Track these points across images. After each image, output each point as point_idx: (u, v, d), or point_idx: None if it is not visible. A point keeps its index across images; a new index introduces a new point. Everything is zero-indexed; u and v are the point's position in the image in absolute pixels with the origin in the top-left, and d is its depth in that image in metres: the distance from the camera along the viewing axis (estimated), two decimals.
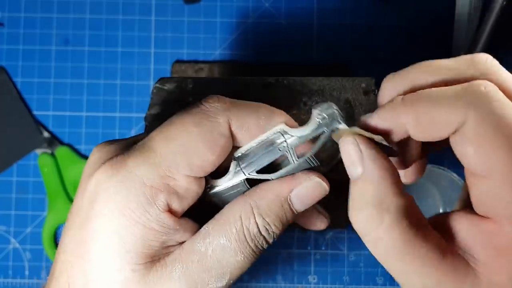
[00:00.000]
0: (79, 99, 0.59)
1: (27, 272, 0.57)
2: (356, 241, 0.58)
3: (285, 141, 0.29)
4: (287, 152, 0.29)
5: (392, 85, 0.28)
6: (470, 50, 0.54)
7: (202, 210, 0.30)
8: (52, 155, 0.58)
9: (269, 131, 0.29)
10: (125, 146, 0.29)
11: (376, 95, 0.42)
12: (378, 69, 0.59)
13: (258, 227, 0.28)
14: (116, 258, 0.27)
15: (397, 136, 0.26)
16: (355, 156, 0.26)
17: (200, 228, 0.29)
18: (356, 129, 0.27)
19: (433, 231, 0.25)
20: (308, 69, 0.59)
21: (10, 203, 0.58)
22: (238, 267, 0.28)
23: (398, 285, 0.59)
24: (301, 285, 0.58)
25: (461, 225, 0.25)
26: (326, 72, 0.59)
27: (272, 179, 0.30)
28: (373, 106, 0.41)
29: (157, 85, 0.42)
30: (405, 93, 0.27)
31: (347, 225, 0.59)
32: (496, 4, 0.49)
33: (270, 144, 0.29)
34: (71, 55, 0.59)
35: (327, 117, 0.29)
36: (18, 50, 0.59)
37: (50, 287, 0.29)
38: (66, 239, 0.28)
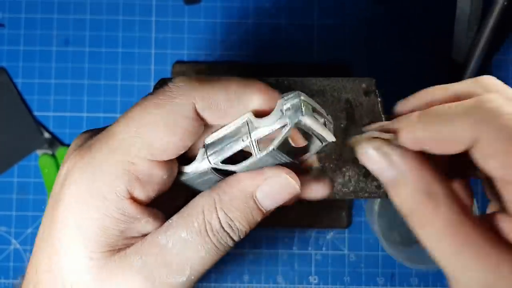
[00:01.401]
0: (80, 100, 0.59)
1: None
2: (356, 242, 0.58)
3: (248, 131, 0.26)
4: (249, 143, 0.26)
5: (406, 106, 0.29)
6: (471, 50, 0.54)
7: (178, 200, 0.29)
8: (53, 156, 0.58)
9: (238, 118, 0.27)
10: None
11: (377, 96, 0.42)
12: (378, 69, 0.59)
13: (220, 223, 0.27)
14: (75, 245, 0.26)
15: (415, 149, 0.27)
16: (384, 161, 0.26)
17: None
18: (368, 134, 0.27)
19: (480, 220, 0.25)
20: (308, 69, 0.59)
21: (11, 204, 0.58)
22: (200, 262, 0.26)
23: (398, 285, 0.59)
24: (302, 285, 0.58)
25: (504, 225, 0.25)
26: (327, 73, 0.59)
27: (237, 172, 0.27)
28: (373, 107, 0.41)
29: (158, 85, 0.42)
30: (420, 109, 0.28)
31: (348, 225, 0.59)
32: (496, 4, 0.49)
33: (235, 134, 0.27)
34: (71, 56, 0.59)
35: (290, 107, 0.25)
36: (18, 51, 0.59)
37: (26, 272, 0.28)
38: (41, 224, 0.28)
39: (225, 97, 0.27)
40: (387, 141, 0.27)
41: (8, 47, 0.59)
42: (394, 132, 0.27)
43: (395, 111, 0.31)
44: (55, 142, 0.58)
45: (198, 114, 0.27)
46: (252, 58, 0.60)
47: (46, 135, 0.58)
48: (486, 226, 0.25)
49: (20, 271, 0.58)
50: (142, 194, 0.27)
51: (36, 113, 0.59)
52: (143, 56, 0.60)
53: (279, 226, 0.58)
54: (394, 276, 0.58)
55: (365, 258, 0.58)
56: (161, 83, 0.42)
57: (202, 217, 0.27)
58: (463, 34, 0.54)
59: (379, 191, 0.39)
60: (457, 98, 0.27)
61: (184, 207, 0.27)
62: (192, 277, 0.26)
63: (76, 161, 0.27)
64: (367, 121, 0.41)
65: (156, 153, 0.26)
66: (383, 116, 0.42)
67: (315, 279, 0.58)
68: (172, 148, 0.26)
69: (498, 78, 0.65)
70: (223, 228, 0.27)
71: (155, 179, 0.27)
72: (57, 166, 0.58)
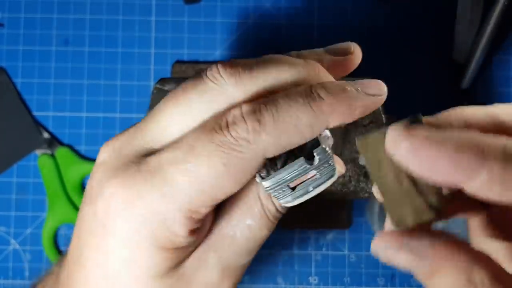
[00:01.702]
0: (79, 100, 0.59)
1: (27, 273, 0.57)
2: (357, 242, 0.58)
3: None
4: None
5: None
6: (472, 50, 0.54)
7: None
8: (52, 156, 0.58)
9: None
10: (133, 149, 0.27)
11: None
12: (378, 69, 0.59)
13: (275, 205, 0.29)
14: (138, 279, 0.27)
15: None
16: (412, 259, 0.22)
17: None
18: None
19: None
20: None
21: (10, 204, 0.58)
22: (263, 240, 0.29)
23: (398, 286, 0.59)
24: (302, 286, 0.58)
25: None
26: None
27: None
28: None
29: (158, 85, 0.42)
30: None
31: (348, 225, 0.59)
32: (497, 4, 0.49)
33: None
34: (71, 56, 0.59)
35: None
36: (18, 50, 0.59)
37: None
38: (78, 248, 0.28)
39: (296, 136, 0.25)
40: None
41: (8, 47, 0.59)
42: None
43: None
44: (55, 142, 0.58)
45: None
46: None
47: (46, 135, 0.58)
48: None
49: (19, 271, 0.57)
50: (199, 224, 0.27)
51: (35, 113, 0.59)
52: (142, 56, 0.59)
53: (278, 226, 0.58)
54: (394, 277, 0.58)
55: (365, 259, 0.58)
56: (161, 83, 0.42)
57: (260, 203, 0.28)
58: (463, 34, 0.54)
59: None
60: (502, 127, 0.23)
61: (233, 198, 0.28)
62: (255, 253, 0.29)
63: (119, 193, 0.26)
64: (367, 121, 0.41)
65: (218, 201, 0.26)
66: (383, 116, 0.42)
67: (315, 280, 0.58)
68: (232, 192, 0.26)
69: (499, 78, 0.65)
70: (276, 209, 0.29)
71: (210, 211, 0.27)
72: (56, 166, 0.58)
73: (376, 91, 0.27)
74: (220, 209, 0.29)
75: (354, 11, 0.60)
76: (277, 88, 0.26)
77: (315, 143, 0.27)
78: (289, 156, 0.27)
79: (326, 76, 0.28)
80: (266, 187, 0.27)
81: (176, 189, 0.25)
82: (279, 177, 0.26)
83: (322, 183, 0.27)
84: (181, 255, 0.27)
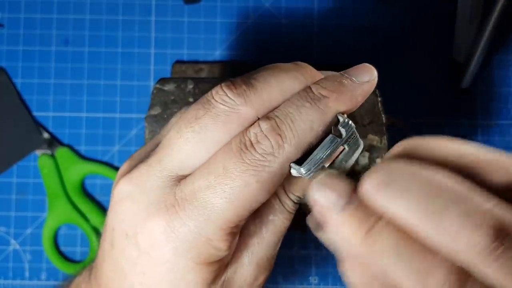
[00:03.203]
0: (79, 100, 0.59)
1: (27, 274, 0.57)
2: None
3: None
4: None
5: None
6: (471, 50, 0.54)
7: None
8: (52, 156, 0.58)
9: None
10: (159, 180, 0.28)
11: (377, 96, 0.42)
12: (378, 69, 0.59)
13: (293, 200, 0.31)
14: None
15: None
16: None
17: None
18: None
19: None
20: None
21: (10, 204, 0.58)
22: (286, 230, 0.32)
23: None
24: (302, 286, 0.58)
25: None
26: None
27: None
28: (373, 107, 0.41)
29: (157, 85, 0.42)
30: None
31: None
32: (497, 4, 0.49)
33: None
34: (71, 56, 0.59)
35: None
36: (18, 51, 0.59)
37: None
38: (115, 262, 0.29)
39: (312, 136, 0.28)
40: None
41: (7, 47, 0.59)
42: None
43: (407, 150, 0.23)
44: (55, 142, 0.58)
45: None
46: (252, 58, 0.60)
47: (46, 135, 0.58)
48: None
49: (19, 271, 0.57)
50: (236, 237, 0.29)
51: (35, 113, 0.59)
52: (142, 56, 0.59)
53: None
54: None
55: None
56: (161, 83, 0.42)
57: (278, 199, 0.31)
58: (463, 34, 0.54)
59: None
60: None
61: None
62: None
63: (161, 226, 0.27)
64: (367, 121, 0.41)
65: (252, 211, 0.28)
66: (383, 116, 0.42)
67: (315, 280, 0.58)
68: (265, 200, 0.28)
69: (499, 78, 0.65)
70: (294, 202, 0.32)
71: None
72: (56, 166, 0.58)
73: (368, 76, 0.31)
74: None
75: (354, 11, 0.60)
76: (280, 96, 0.29)
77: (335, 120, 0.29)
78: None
79: (317, 74, 0.32)
80: (304, 174, 0.28)
81: (216, 211, 0.27)
82: (314, 160, 0.28)
83: (352, 154, 0.29)
84: (223, 264, 0.29)
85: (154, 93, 0.41)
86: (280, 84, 0.29)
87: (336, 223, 0.22)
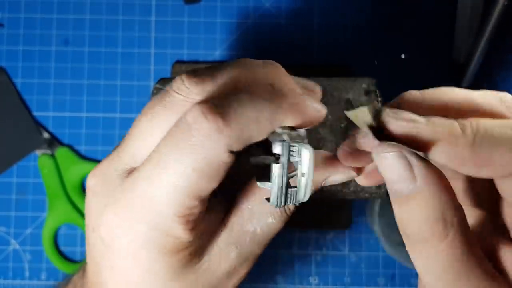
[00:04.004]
0: (79, 100, 0.59)
1: (27, 274, 0.57)
2: (357, 242, 0.58)
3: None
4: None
5: (423, 102, 0.26)
6: (471, 50, 0.54)
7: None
8: (52, 156, 0.58)
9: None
10: (115, 172, 0.28)
11: (377, 96, 0.42)
12: (378, 69, 0.59)
13: (295, 204, 0.30)
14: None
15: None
16: (406, 171, 0.24)
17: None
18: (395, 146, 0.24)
19: (482, 254, 0.24)
20: (308, 69, 0.59)
21: (10, 204, 0.58)
22: (278, 231, 0.31)
23: (398, 286, 0.59)
24: (302, 286, 0.58)
25: (506, 256, 0.25)
26: (327, 73, 0.59)
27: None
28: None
29: (157, 85, 0.42)
30: (438, 111, 0.25)
31: (348, 225, 0.59)
32: (497, 4, 0.49)
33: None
34: (71, 56, 0.59)
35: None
36: (18, 51, 0.59)
37: None
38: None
39: (257, 130, 0.26)
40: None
41: (8, 47, 0.59)
42: (424, 139, 0.24)
43: (403, 100, 0.27)
44: (54, 142, 0.58)
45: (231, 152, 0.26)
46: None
47: (46, 135, 0.58)
48: (486, 260, 0.24)
49: (19, 271, 0.57)
50: (195, 223, 0.27)
51: (35, 113, 0.59)
52: (142, 56, 0.59)
53: None
54: (394, 277, 0.58)
55: (365, 259, 0.58)
56: (161, 83, 0.42)
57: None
58: (463, 34, 0.54)
59: (379, 191, 0.39)
60: (478, 110, 0.25)
61: (257, 194, 0.29)
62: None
63: (115, 220, 0.27)
64: None
65: (200, 198, 0.26)
66: None
67: (315, 280, 0.58)
68: (213, 188, 0.26)
69: (499, 78, 0.65)
70: (295, 205, 0.30)
71: (199, 208, 0.27)
72: (56, 166, 0.58)
73: (322, 109, 0.29)
74: (240, 208, 0.30)
75: (354, 11, 0.60)
76: (238, 88, 0.26)
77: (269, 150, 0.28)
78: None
79: (287, 79, 0.29)
80: (276, 204, 0.27)
81: (158, 202, 0.26)
82: (274, 188, 0.27)
83: (304, 161, 0.27)
84: (192, 250, 0.28)
85: (154, 93, 0.41)
86: (241, 75, 0.27)
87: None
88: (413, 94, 0.27)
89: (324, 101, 0.40)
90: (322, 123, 0.38)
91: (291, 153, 0.27)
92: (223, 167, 0.26)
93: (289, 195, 0.27)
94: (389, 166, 0.24)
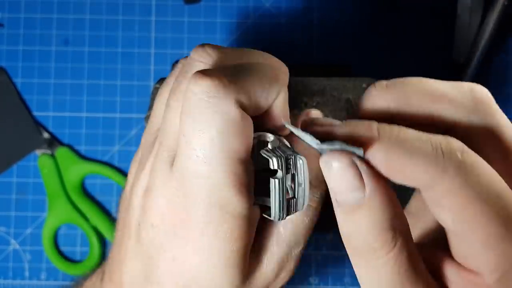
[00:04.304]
0: (79, 100, 0.59)
1: (27, 273, 0.57)
2: None
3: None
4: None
5: (380, 97, 0.26)
6: (471, 50, 0.54)
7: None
8: (52, 156, 0.58)
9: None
10: (163, 157, 0.29)
11: None
12: (378, 69, 0.59)
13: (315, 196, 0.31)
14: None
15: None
16: (356, 180, 0.23)
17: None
18: (337, 145, 0.24)
19: (423, 264, 0.24)
20: (308, 69, 0.59)
21: (10, 204, 0.58)
22: (308, 227, 0.32)
23: None
24: (302, 286, 0.58)
25: (447, 271, 0.25)
26: (327, 72, 0.58)
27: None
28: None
29: (157, 85, 0.42)
30: (389, 114, 0.26)
31: None
32: (497, 4, 0.49)
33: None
34: (71, 56, 0.59)
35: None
36: (18, 50, 0.59)
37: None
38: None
39: (262, 91, 0.27)
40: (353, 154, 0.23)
41: (8, 47, 0.59)
42: (363, 140, 0.23)
43: (365, 101, 0.27)
44: (55, 142, 0.58)
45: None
46: None
47: (46, 135, 0.58)
48: (426, 271, 0.24)
49: (19, 271, 0.57)
50: (244, 184, 0.27)
51: (35, 113, 0.59)
52: (142, 56, 0.59)
53: None
54: None
55: None
56: (161, 83, 0.42)
57: None
58: (463, 34, 0.54)
59: None
60: (445, 100, 0.25)
61: None
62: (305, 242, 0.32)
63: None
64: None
65: (237, 152, 0.26)
66: None
67: (315, 280, 0.58)
68: (243, 151, 0.27)
69: (499, 78, 0.65)
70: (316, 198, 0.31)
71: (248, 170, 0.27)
72: (56, 166, 0.58)
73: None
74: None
75: (354, 11, 0.60)
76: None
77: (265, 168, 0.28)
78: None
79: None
80: (278, 218, 0.28)
81: (204, 175, 0.26)
82: (276, 203, 0.27)
83: (300, 171, 0.28)
84: (248, 246, 0.28)
85: (154, 93, 0.41)
86: (255, 58, 0.29)
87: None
88: (378, 86, 0.26)
89: (324, 101, 0.40)
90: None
91: (288, 166, 0.27)
92: (242, 124, 0.26)
93: (289, 207, 0.28)
94: (338, 175, 0.24)
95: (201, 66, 0.27)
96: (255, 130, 0.27)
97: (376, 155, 0.23)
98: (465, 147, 0.23)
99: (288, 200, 0.28)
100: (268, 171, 0.27)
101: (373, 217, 0.23)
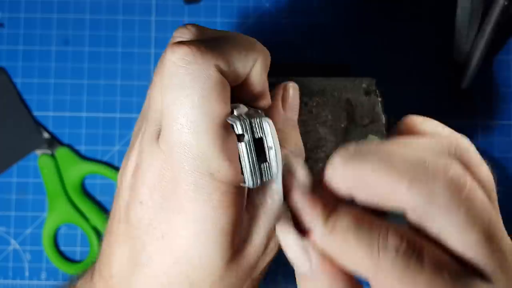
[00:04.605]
0: (79, 100, 0.59)
1: (27, 273, 0.57)
2: None
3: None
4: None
5: (338, 176, 0.26)
6: (471, 50, 0.54)
7: None
8: (52, 156, 0.58)
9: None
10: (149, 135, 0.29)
11: (377, 96, 0.42)
12: (378, 69, 0.59)
13: None
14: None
15: None
16: (302, 254, 0.27)
17: None
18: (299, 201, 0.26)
19: None
20: (308, 69, 0.59)
21: (10, 204, 0.58)
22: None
23: None
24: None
25: None
26: (327, 72, 0.59)
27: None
28: (373, 107, 0.41)
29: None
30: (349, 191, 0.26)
31: None
32: (497, 4, 0.49)
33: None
34: (71, 56, 0.59)
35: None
36: (18, 50, 0.59)
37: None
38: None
39: (238, 57, 0.29)
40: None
41: (7, 46, 0.59)
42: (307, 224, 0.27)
43: (327, 175, 0.27)
44: (55, 142, 0.58)
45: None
46: None
47: (46, 135, 0.58)
48: None
49: (19, 271, 0.57)
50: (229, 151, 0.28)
51: (35, 113, 0.59)
52: (142, 55, 0.59)
53: None
54: None
55: None
56: None
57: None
58: (463, 34, 0.54)
59: None
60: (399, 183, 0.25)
61: None
62: None
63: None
64: (367, 121, 0.41)
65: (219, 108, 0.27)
66: (383, 115, 0.42)
67: None
68: (225, 114, 0.27)
69: (499, 78, 0.65)
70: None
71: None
72: (56, 166, 0.58)
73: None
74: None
75: (354, 11, 0.60)
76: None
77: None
78: None
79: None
80: (252, 183, 0.27)
81: (188, 141, 0.26)
82: (247, 168, 0.27)
83: (267, 134, 0.28)
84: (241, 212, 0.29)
85: None
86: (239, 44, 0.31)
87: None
88: (341, 159, 0.26)
89: (324, 101, 0.40)
90: (322, 123, 0.38)
91: (254, 129, 0.27)
92: (223, 88, 0.27)
93: (263, 171, 0.27)
94: (289, 247, 0.28)
95: (180, 40, 0.28)
96: (231, 102, 0.28)
97: (316, 243, 0.26)
98: (403, 245, 0.23)
99: (260, 165, 0.27)
100: (237, 137, 0.27)
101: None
